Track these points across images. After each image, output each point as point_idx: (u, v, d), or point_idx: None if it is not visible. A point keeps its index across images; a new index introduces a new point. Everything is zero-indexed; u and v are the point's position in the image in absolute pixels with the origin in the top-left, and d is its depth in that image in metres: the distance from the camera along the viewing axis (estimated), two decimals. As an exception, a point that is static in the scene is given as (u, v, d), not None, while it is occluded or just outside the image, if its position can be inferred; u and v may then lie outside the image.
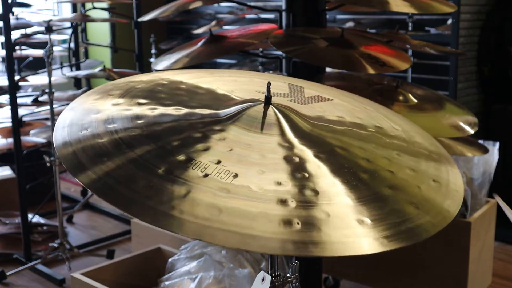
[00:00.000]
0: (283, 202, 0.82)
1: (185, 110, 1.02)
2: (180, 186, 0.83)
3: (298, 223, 0.79)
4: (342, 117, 1.11)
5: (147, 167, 0.86)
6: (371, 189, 0.89)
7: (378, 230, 0.82)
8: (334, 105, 1.18)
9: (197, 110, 1.02)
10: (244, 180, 0.85)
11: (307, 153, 0.93)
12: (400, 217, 0.85)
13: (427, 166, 1.00)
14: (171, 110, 1.01)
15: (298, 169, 0.89)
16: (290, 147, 0.94)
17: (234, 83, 1.23)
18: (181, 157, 0.88)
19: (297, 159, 0.91)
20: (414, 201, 0.89)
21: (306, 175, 0.88)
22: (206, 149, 0.91)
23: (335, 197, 0.85)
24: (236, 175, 0.86)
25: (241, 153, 0.91)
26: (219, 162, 0.88)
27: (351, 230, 0.81)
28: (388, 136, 1.07)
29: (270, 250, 0.77)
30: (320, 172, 0.89)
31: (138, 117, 0.98)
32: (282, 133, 0.97)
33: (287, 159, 0.91)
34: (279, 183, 0.85)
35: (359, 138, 1.03)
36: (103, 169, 0.86)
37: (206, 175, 0.85)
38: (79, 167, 0.87)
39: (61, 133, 0.96)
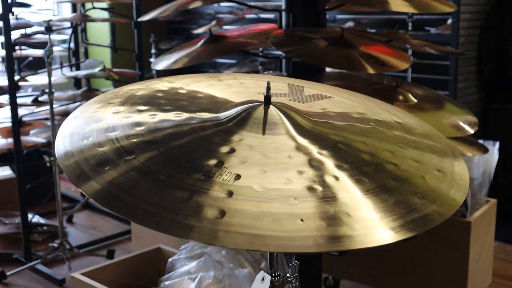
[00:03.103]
0: (291, 199, 0.82)
1: (185, 115, 1.02)
2: (183, 190, 0.83)
3: (302, 220, 0.80)
4: (343, 113, 1.11)
5: (149, 173, 0.86)
6: (376, 182, 0.89)
7: (385, 221, 0.82)
8: (334, 102, 1.18)
9: (197, 114, 1.02)
10: (248, 181, 0.85)
11: (311, 150, 0.93)
12: (406, 208, 0.86)
13: (430, 156, 1.01)
14: (172, 116, 1.02)
15: (303, 167, 0.89)
16: (292, 145, 0.94)
17: (233, 86, 1.23)
18: (183, 162, 0.88)
19: (300, 157, 0.91)
20: (419, 192, 0.90)
21: (312, 172, 0.88)
22: (207, 152, 0.91)
23: (341, 193, 0.86)
24: (239, 176, 0.86)
25: (243, 154, 0.91)
26: (221, 163, 0.88)
27: (359, 224, 0.81)
28: (390, 129, 1.08)
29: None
30: (324, 168, 0.90)
31: (138, 124, 0.99)
32: (284, 132, 0.97)
33: (291, 158, 0.91)
34: (285, 182, 0.85)
35: (361, 132, 1.03)
36: (106, 178, 0.86)
37: (208, 178, 0.85)
38: (81, 177, 0.87)
39: (63, 143, 0.96)
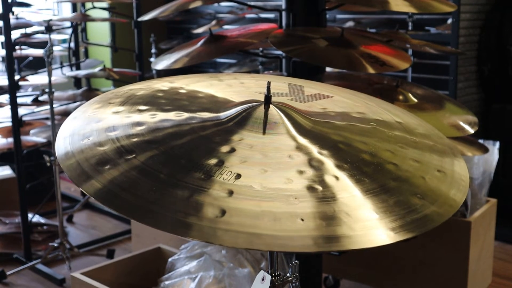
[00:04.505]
0: (291, 199, 0.82)
1: (185, 115, 1.02)
2: (183, 189, 0.83)
3: (302, 220, 0.80)
4: (343, 113, 1.11)
5: (150, 172, 0.86)
6: (376, 182, 0.89)
7: (385, 222, 0.82)
8: (335, 101, 1.18)
9: (198, 114, 1.02)
10: (248, 180, 0.85)
11: (311, 150, 0.93)
12: (406, 209, 0.86)
13: (430, 157, 1.01)
14: (172, 115, 1.02)
15: (303, 166, 0.89)
16: (292, 145, 0.94)
17: (233, 86, 1.23)
18: (183, 161, 0.88)
19: (301, 157, 0.91)
20: (419, 192, 0.90)
21: (312, 171, 0.88)
22: (207, 152, 0.91)
23: (341, 193, 0.86)
24: (239, 176, 0.86)
25: (244, 154, 0.91)
26: (222, 163, 0.88)
27: (359, 224, 0.81)
28: (390, 129, 1.08)
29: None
30: (324, 168, 0.90)
31: (139, 123, 0.99)
32: (285, 132, 0.97)
33: (291, 157, 0.91)
34: (285, 181, 0.86)
35: (361, 132, 1.03)
36: (107, 177, 0.86)
37: (209, 177, 0.85)
38: (82, 176, 0.87)
39: (63, 143, 0.96)
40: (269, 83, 1.01)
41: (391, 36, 2.11)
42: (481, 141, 2.40)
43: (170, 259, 1.99)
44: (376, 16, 3.91)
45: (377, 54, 1.81)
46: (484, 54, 3.36)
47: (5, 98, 3.32)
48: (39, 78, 3.53)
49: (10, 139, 3.21)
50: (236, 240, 0.76)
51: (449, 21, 3.34)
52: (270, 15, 4.39)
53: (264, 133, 0.96)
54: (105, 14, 4.45)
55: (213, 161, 0.88)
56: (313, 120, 1.03)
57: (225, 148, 0.91)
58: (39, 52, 3.46)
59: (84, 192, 0.86)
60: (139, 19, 2.18)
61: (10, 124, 2.98)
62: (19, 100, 3.12)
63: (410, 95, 1.89)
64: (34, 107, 3.42)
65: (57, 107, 3.25)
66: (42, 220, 3.32)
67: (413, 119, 1.19)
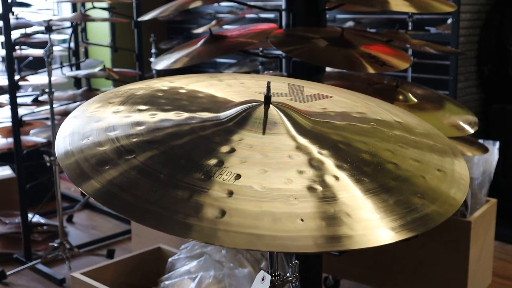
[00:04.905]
0: (291, 199, 0.82)
1: (185, 115, 1.02)
2: (183, 190, 0.83)
3: (302, 220, 0.80)
4: (343, 113, 1.11)
5: (149, 172, 0.86)
6: (376, 182, 0.89)
7: (385, 222, 0.82)
8: (335, 101, 1.18)
9: (198, 114, 1.02)
10: (248, 180, 0.85)
11: (311, 150, 0.93)
12: (406, 208, 0.85)
13: (430, 156, 1.01)
14: (172, 115, 1.02)
15: (303, 166, 0.89)
16: (292, 145, 0.94)
17: (233, 86, 1.23)
18: (183, 161, 0.88)
19: (301, 157, 0.91)
20: (419, 191, 0.90)
21: (312, 171, 0.88)
22: (207, 152, 0.91)
23: (341, 192, 0.86)
24: (239, 176, 0.86)
25: (244, 154, 0.91)
26: (221, 163, 0.88)
27: (359, 224, 0.81)
28: (390, 129, 1.07)
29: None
30: (324, 168, 0.90)
31: (138, 123, 0.99)
32: (285, 132, 0.97)
33: (291, 157, 0.91)
34: (285, 182, 0.85)
35: (361, 132, 1.03)
36: (106, 177, 0.86)
37: (208, 177, 0.85)
38: (81, 176, 0.87)
39: (63, 142, 0.96)
40: (269, 83, 1.01)
41: (391, 36, 2.11)
42: (481, 141, 2.40)
43: (170, 259, 1.99)
44: (376, 16, 3.91)
45: (377, 54, 1.81)
46: (484, 54, 3.36)
47: (5, 98, 3.32)
48: (39, 78, 3.52)
49: (10, 139, 3.21)
50: (236, 241, 0.76)
51: (449, 21, 3.34)
52: (270, 15, 4.39)
53: (264, 133, 0.96)
54: (105, 14, 4.45)
55: (213, 161, 0.88)
56: (313, 120, 1.03)
57: (225, 148, 0.91)
58: (39, 52, 3.46)
59: (84, 192, 0.86)
60: (139, 19, 2.18)
61: (10, 124, 2.98)
62: (19, 100, 3.12)
63: (410, 95, 1.89)
64: (34, 107, 3.42)
65: (57, 107, 3.25)
66: (42, 220, 3.32)
67: (413, 119, 1.19)
